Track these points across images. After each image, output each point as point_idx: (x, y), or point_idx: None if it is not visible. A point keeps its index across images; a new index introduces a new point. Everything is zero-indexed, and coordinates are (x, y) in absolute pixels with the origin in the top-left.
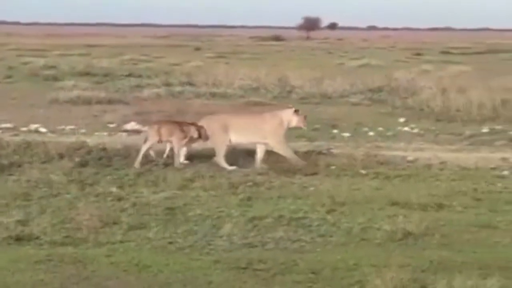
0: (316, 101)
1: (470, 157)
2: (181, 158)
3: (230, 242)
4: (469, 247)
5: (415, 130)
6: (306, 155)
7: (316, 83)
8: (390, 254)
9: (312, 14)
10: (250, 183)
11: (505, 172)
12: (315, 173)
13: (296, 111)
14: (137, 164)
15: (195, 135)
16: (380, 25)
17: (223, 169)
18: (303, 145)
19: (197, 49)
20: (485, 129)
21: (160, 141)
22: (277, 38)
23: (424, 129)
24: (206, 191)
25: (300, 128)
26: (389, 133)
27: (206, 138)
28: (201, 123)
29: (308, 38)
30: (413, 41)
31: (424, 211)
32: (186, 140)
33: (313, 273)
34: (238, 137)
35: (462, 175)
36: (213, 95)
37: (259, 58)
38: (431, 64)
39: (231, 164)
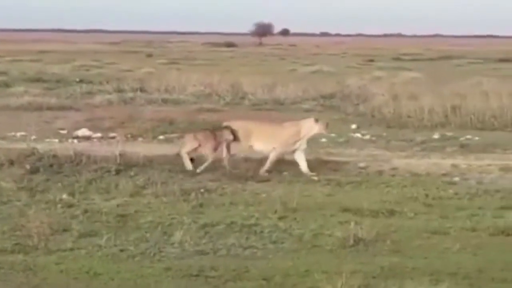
0: (268, 108)
1: (421, 163)
2: (226, 164)
3: (181, 249)
4: (420, 253)
5: (367, 137)
6: (259, 161)
7: (268, 90)
8: (341, 261)
9: (265, 20)
10: (202, 190)
11: (456, 178)
12: (267, 180)
13: (316, 120)
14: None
15: (230, 137)
16: (333, 32)
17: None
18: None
19: (149, 55)
20: (436, 135)
21: (198, 148)
22: (230, 44)
23: (375, 136)
24: (158, 198)
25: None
26: (341, 140)
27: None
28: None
29: (260, 44)
30: (365, 47)
31: (376, 218)
32: (221, 146)
33: (264, 279)
34: (260, 144)
35: (413, 181)
36: (165, 101)
37: (212, 64)
38: (383, 70)
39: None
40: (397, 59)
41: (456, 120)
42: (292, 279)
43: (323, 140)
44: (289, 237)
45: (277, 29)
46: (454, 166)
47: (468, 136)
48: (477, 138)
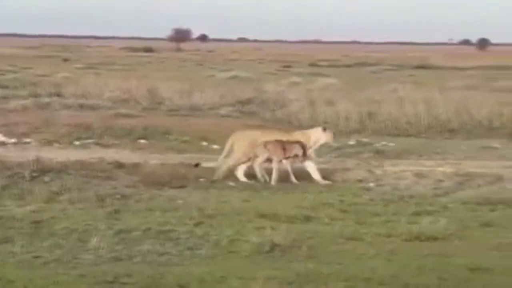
0: (185, 113)
1: (337, 169)
2: (292, 177)
3: (96, 255)
4: (335, 259)
5: None
6: (176, 167)
7: (186, 95)
8: (257, 267)
9: (183, 25)
10: (118, 196)
11: (371, 184)
12: (183, 186)
13: (324, 129)
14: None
15: (300, 153)
16: (251, 37)
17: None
18: (172, 158)
19: (66, 60)
20: (352, 141)
21: (269, 158)
22: (148, 50)
23: None
24: (73, 204)
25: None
26: None
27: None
28: (231, 138)
29: (178, 49)
30: (283, 53)
31: (292, 223)
32: (289, 158)
33: (180, 286)
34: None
35: (329, 187)
36: (82, 106)
37: (130, 69)
38: (300, 76)
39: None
40: (314, 65)
41: (371, 126)
42: (207, 285)
43: None
44: (205, 243)
45: (195, 34)
46: (369, 172)
47: (384, 142)
48: (392, 144)
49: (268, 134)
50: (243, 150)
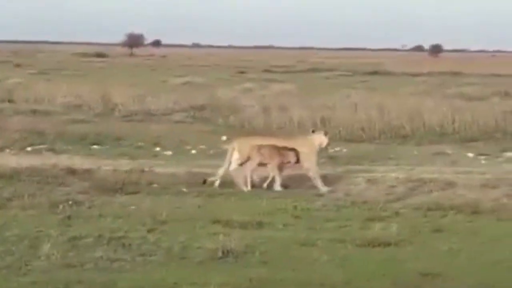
0: (139, 119)
1: (291, 175)
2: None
3: (48, 262)
4: (288, 264)
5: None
6: (128, 173)
7: (139, 101)
8: (210, 273)
9: (136, 31)
10: (71, 202)
11: (324, 190)
12: (136, 192)
13: (326, 133)
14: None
15: (294, 160)
16: (204, 43)
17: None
18: (125, 163)
19: (18, 65)
20: None
21: (262, 163)
22: (101, 55)
23: None
24: (25, 210)
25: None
26: (211, 151)
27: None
28: (232, 145)
29: (132, 55)
30: (236, 59)
31: (245, 229)
32: (284, 164)
33: None
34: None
35: (282, 192)
36: (34, 112)
37: (82, 74)
38: (254, 82)
39: None
40: (268, 71)
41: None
42: None
43: (193, 152)
44: (158, 250)
45: (148, 40)
46: (323, 177)
47: (337, 148)
48: (345, 150)
49: (270, 140)
50: (247, 155)
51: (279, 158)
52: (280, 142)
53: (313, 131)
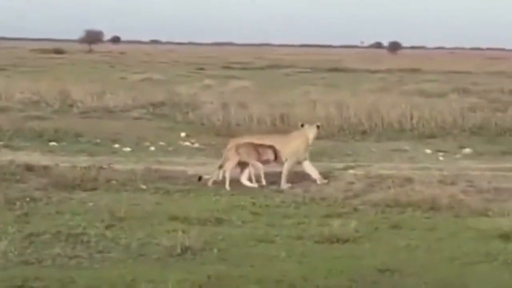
0: (97, 115)
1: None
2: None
3: (5, 259)
4: (246, 261)
5: (196, 145)
6: (86, 170)
7: (97, 97)
8: (168, 270)
9: (95, 27)
10: (28, 199)
11: (284, 186)
12: (94, 188)
13: (318, 126)
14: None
15: (272, 157)
16: (163, 39)
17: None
18: (84, 160)
19: None
20: None
21: (240, 161)
22: (59, 51)
23: (205, 144)
24: None
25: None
26: (170, 148)
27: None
28: (229, 145)
29: (90, 51)
30: (196, 55)
31: (203, 226)
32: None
33: None
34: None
35: (241, 189)
36: None
37: (40, 71)
38: (213, 79)
39: None
40: (227, 67)
41: (284, 128)
42: None
43: (152, 148)
44: (116, 247)
45: (107, 36)
46: (281, 174)
47: None
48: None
49: (266, 138)
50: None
51: (257, 156)
52: (275, 140)
53: (302, 125)
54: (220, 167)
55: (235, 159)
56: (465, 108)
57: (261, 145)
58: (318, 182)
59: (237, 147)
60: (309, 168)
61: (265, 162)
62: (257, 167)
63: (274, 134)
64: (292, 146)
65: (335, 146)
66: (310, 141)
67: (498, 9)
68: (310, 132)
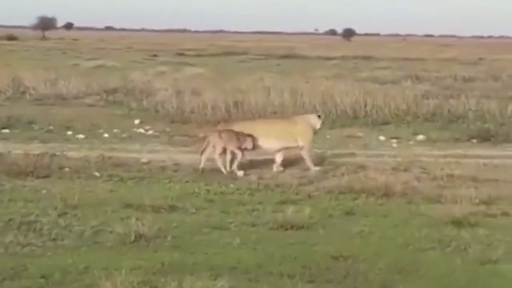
0: (50, 102)
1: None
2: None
3: None
4: (200, 248)
5: (150, 132)
6: (39, 157)
7: (50, 84)
8: (121, 257)
9: (48, 13)
10: None
11: (238, 173)
12: (47, 176)
13: (319, 116)
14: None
15: (250, 146)
16: (117, 26)
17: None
18: (37, 147)
19: None
20: None
21: (224, 148)
22: (11, 38)
23: (159, 131)
24: None
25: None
26: (124, 135)
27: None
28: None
29: (43, 38)
30: (149, 42)
31: (157, 213)
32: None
33: (43, 277)
34: (268, 142)
35: (195, 176)
36: None
37: None
38: (166, 65)
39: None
40: (181, 54)
41: (238, 115)
42: (71, 276)
43: (106, 135)
44: (69, 234)
45: (60, 23)
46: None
47: None
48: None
49: (267, 122)
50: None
51: (237, 143)
52: (275, 124)
53: (319, 116)
54: (202, 152)
55: (220, 145)
56: (418, 95)
57: (241, 133)
58: (275, 169)
59: (220, 132)
60: (279, 155)
61: (244, 150)
62: (235, 153)
63: (275, 117)
64: (300, 130)
65: None
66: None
67: None
68: (312, 120)
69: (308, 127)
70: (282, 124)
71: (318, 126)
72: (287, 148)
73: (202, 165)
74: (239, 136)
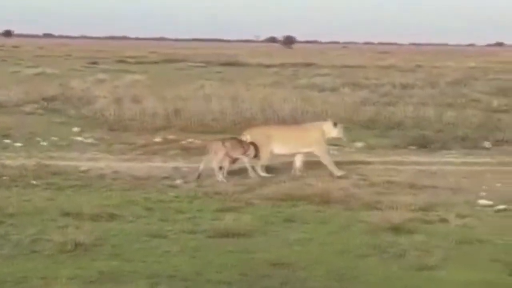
0: None
1: (142, 167)
2: (221, 175)
3: None
4: (139, 256)
5: (89, 140)
6: None
7: None
8: (60, 266)
9: None
10: None
11: (177, 181)
12: None
13: (335, 124)
14: (220, 178)
15: (252, 154)
16: (56, 33)
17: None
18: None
19: None
20: (158, 139)
21: (227, 154)
22: None
23: (98, 139)
24: None
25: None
26: (62, 143)
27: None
28: (245, 135)
29: None
30: (89, 49)
31: (96, 222)
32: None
33: None
34: (281, 148)
35: (134, 184)
36: None
37: None
38: (106, 73)
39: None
40: (121, 61)
41: (178, 123)
42: (8, 285)
43: (44, 143)
44: (6, 243)
45: None
46: (175, 169)
47: (190, 139)
48: (198, 141)
49: (281, 128)
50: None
51: (241, 150)
52: (290, 131)
53: (334, 124)
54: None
55: (222, 152)
56: (357, 102)
57: (245, 141)
58: (336, 174)
59: (224, 141)
60: (298, 159)
61: (246, 157)
62: (243, 160)
63: (290, 124)
64: (313, 137)
65: None
66: (326, 136)
67: (389, 4)
68: (325, 128)
69: (319, 134)
70: (294, 131)
71: (333, 134)
72: (296, 154)
73: (200, 171)
74: (243, 144)
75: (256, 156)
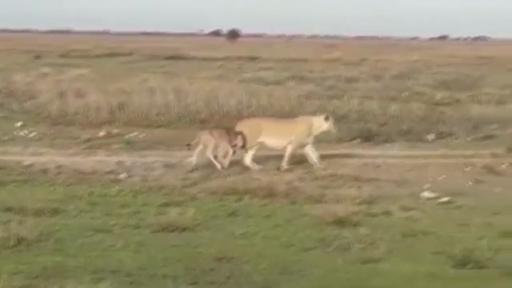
0: None
1: (86, 161)
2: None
3: None
4: (82, 251)
5: (32, 134)
6: None
7: None
8: (2, 262)
9: None
10: None
11: (121, 176)
12: None
13: (326, 118)
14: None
15: (240, 144)
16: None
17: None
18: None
19: None
20: (102, 133)
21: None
22: None
23: (41, 133)
24: None
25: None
26: (5, 138)
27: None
28: (238, 127)
29: None
30: (33, 43)
31: (39, 217)
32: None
33: None
34: (272, 140)
35: (78, 179)
36: None
37: None
38: (50, 67)
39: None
40: (65, 55)
41: (122, 117)
42: None
43: None
44: None
45: None
46: (119, 163)
47: (134, 133)
48: (142, 135)
49: (273, 121)
50: (251, 136)
51: (228, 139)
52: (279, 123)
53: (326, 117)
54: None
55: (212, 142)
56: (302, 96)
57: (232, 132)
58: (315, 166)
59: (211, 130)
60: (311, 152)
61: (234, 147)
62: (227, 150)
63: (279, 117)
64: (297, 131)
65: (173, 134)
66: (314, 130)
67: None
68: (316, 122)
69: (306, 128)
70: (284, 124)
71: (324, 128)
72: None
73: (194, 163)
74: (230, 134)
75: (244, 146)
